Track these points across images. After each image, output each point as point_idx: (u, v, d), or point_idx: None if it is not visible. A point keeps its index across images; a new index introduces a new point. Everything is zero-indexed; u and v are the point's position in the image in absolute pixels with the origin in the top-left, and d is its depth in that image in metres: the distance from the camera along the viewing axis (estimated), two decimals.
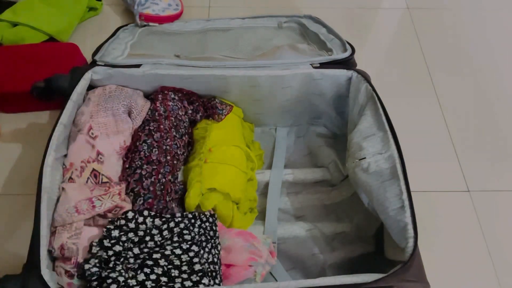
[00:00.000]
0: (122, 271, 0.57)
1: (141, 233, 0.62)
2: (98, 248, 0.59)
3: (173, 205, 0.71)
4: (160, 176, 0.70)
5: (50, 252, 0.59)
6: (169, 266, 0.60)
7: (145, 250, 0.61)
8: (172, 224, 0.64)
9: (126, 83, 0.80)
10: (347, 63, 0.82)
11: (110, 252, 0.59)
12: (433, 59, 1.14)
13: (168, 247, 0.62)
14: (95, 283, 0.57)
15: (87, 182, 0.66)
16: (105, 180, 0.67)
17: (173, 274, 0.60)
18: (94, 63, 0.80)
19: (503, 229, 0.84)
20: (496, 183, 0.91)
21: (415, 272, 0.56)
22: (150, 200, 0.67)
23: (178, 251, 0.62)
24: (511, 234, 0.84)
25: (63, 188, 0.63)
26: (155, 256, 0.60)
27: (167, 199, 0.70)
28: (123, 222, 0.62)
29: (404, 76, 1.10)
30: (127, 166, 0.71)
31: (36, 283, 0.53)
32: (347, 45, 0.85)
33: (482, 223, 0.84)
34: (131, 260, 0.60)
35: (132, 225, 0.63)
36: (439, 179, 0.91)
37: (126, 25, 1.03)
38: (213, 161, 0.75)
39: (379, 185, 0.66)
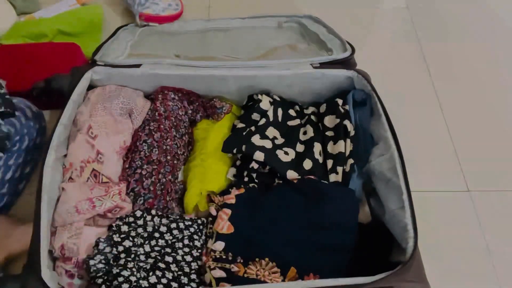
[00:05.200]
0: (134, 269, 0.57)
1: (150, 229, 0.63)
2: (105, 245, 0.59)
3: (173, 205, 0.71)
4: (160, 176, 0.70)
5: (50, 252, 0.59)
6: (179, 272, 0.61)
7: (156, 248, 0.61)
8: (181, 225, 0.65)
9: (126, 83, 0.80)
10: (347, 63, 0.82)
11: (120, 248, 0.59)
12: (433, 58, 1.13)
13: (180, 251, 0.62)
14: (100, 280, 0.57)
15: (87, 182, 0.66)
16: (105, 180, 0.67)
17: (182, 281, 0.60)
18: (94, 63, 0.80)
19: (503, 229, 0.84)
20: (496, 183, 0.91)
21: (415, 272, 0.56)
22: (150, 200, 0.67)
23: (188, 258, 0.62)
24: (511, 234, 0.84)
25: (63, 188, 0.63)
26: (167, 259, 0.61)
27: (167, 198, 0.70)
28: (131, 219, 0.63)
29: (404, 76, 1.10)
30: (127, 166, 0.71)
31: (36, 284, 0.53)
32: (347, 45, 0.85)
33: (482, 223, 0.84)
34: (142, 258, 0.60)
35: (140, 222, 0.63)
36: (439, 179, 0.91)
37: (126, 25, 1.03)
38: (214, 162, 0.75)
39: (384, 186, 0.66)
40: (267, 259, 0.62)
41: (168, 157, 0.73)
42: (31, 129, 0.73)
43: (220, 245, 0.63)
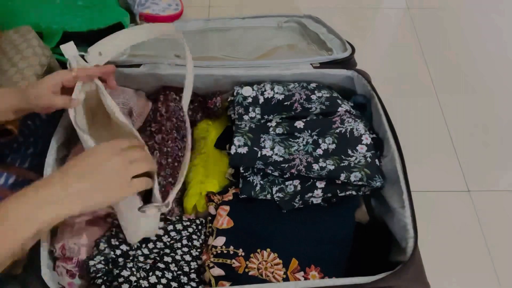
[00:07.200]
0: (133, 269, 0.57)
1: None
2: (105, 245, 0.59)
3: (173, 206, 0.71)
4: (160, 178, 0.70)
5: (51, 252, 0.59)
6: (179, 272, 0.61)
7: (155, 250, 0.61)
8: (179, 226, 0.65)
9: (126, 83, 0.80)
10: (347, 63, 0.82)
11: (118, 252, 0.59)
12: (433, 58, 1.14)
13: (179, 251, 0.62)
14: (100, 280, 0.57)
15: None
16: None
17: (182, 281, 0.60)
18: None
19: (503, 229, 0.84)
20: (496, 183, 0.91)
21: (415, 272, 0.56)
22: None
23: (188, 257, 0.62)
24: (511, 234, 0.84)
25: None
26: (166, 259, 0.61)
27: None
28: None
29: (404, 76, 1.10)
30: None
31: (36, 283, 0.54)
32: (347, 45, 0.85)
33: (482, 223, 0.85)
34: (141, 259, 0.60)
35: None
36: (439, 179, 0.91)
37: None
38: (213, 162, 0.75)
39: (385, 186, 0.67)
40: (268, 249, 0.63)
41: (169, 160, 0.73)
42: (45, 132, 0.73)
43: (220, 240, 0.63)
